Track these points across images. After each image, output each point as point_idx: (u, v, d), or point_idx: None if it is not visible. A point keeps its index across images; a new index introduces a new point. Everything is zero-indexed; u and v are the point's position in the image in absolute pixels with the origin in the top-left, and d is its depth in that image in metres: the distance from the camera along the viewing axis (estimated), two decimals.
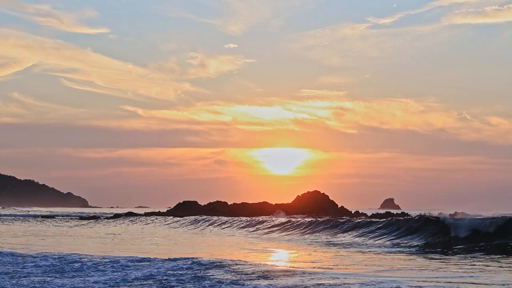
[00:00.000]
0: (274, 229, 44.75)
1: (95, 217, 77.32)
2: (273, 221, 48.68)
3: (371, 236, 35.47)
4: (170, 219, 64.09)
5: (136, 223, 62.95)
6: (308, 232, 41.09)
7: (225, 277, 15.94)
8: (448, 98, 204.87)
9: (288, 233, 41.91)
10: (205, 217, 60.15)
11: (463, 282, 15.19)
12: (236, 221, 52.17)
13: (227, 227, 50.27)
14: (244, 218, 55.21)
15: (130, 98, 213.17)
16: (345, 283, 14.60)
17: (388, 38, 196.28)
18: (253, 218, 54.19)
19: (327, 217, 46.44)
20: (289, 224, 45.41)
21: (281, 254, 26.38)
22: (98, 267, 18.21)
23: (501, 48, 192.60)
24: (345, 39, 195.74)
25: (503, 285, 14.83)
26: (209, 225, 53.34)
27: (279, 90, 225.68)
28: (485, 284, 15.03)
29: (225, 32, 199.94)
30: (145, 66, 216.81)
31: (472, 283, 15.13)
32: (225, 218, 56.17)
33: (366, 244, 31.94)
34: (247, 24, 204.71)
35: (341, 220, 42.27)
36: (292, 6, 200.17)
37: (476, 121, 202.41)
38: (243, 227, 48.40)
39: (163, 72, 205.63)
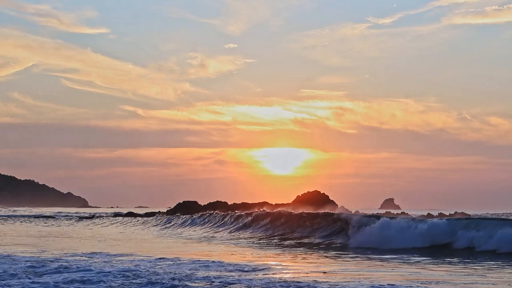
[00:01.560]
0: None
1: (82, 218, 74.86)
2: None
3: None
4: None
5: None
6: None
7: None
8: (448, 98, 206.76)
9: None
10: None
11: None
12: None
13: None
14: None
15: (130, 98, 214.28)
16: None
17: (388, 38, 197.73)
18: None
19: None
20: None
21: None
22: None
23: (501, 48, 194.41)
24: (345, 39, 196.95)
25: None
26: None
27: (279, 90, 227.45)
28: None
29: (225, 32, 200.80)
30: (145, 66, 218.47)
31: None
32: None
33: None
34: (247, 24, 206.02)
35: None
36: (292, 6, 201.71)
37: (476, 121, 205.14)
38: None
39: (163, 72, 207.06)
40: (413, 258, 21.01)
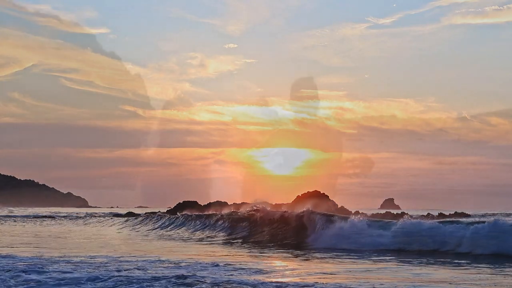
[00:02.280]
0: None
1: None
2: None
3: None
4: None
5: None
6: None
7: None
8: (448, 98, 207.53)
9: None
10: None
11: None
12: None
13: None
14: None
15: (130, 98, 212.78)
16: None
17: (388, 38, 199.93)
18: None
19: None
20: None
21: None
22: None
23: (501, 48, 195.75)
24: (345, 39, 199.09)
25: None
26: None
27: (279, 90, 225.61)
28: None
29: (225, 32, 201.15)
30: (145, 66, 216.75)
31: None
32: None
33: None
34: (247, 24, 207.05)
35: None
36: (292, 6, 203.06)
37: (476, 121, 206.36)
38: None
39: (163, 72, 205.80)
40: (397, 259, 20.87)
